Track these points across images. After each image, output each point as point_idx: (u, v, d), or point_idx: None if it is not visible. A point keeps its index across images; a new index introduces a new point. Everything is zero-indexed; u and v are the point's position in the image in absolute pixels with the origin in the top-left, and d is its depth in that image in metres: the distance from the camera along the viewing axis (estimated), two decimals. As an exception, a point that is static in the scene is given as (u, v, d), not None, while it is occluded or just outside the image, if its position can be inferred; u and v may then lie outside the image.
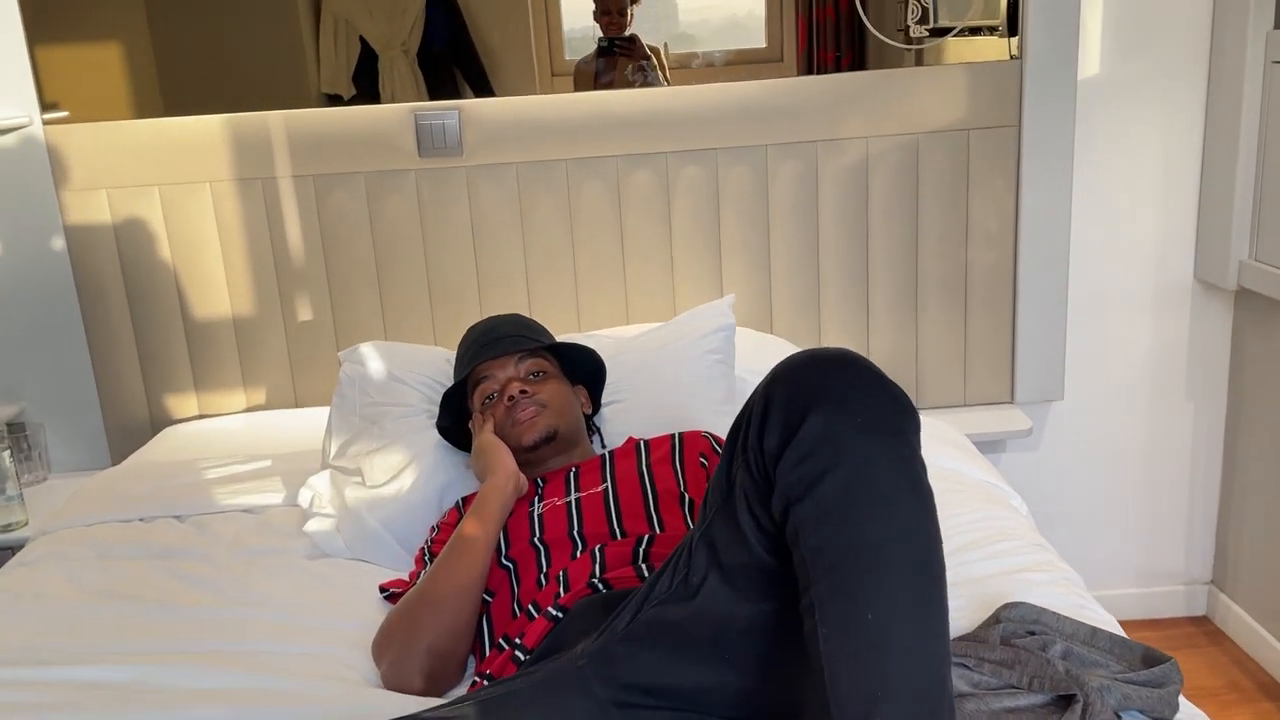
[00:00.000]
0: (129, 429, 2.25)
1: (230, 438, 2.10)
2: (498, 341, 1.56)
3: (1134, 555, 2.49)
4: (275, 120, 2.11)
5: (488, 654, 1.25)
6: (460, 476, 1.60)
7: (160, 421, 2.26)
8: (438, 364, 1.81)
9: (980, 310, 2.27)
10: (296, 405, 2.26)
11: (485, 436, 1.47)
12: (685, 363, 1.77)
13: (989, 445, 2.38)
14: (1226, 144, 2.14)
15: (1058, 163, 2.17)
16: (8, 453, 1.99)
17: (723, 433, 1.62)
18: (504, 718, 0.95)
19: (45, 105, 2.12)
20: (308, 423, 2.12)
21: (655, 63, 2.31)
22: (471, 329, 1.64)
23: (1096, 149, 2.23)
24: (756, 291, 2.24)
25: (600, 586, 1.17)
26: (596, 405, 1.70)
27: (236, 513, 1.71)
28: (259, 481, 1.79)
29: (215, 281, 2.19)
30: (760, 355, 1.96)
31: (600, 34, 2.28)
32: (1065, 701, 1.04)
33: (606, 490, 1.39)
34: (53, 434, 2.25)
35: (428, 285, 2.21)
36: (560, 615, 1.15)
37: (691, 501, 1.39)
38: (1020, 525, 1.54)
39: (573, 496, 1.40)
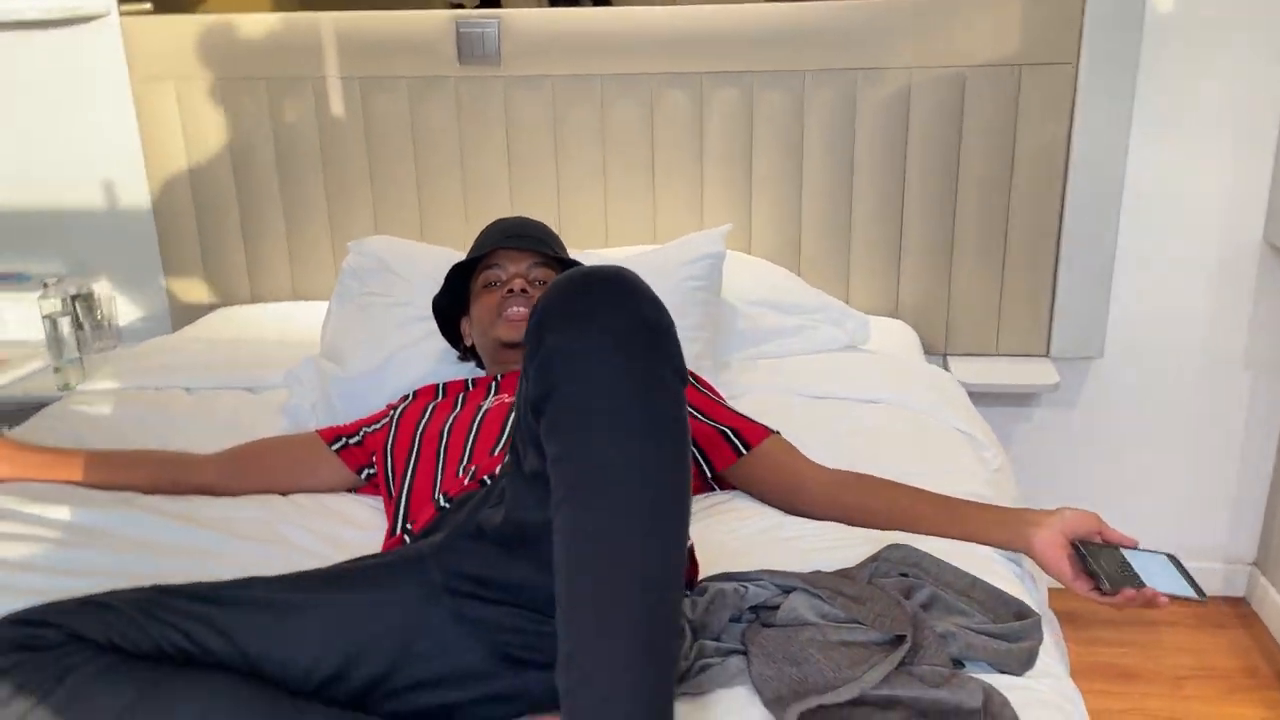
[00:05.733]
0: (191, 307, 2.42)
1: (269, 324, 2.24)
2: (523, 238, 1.60)
3: (1171, 527, 2.37)
4: (326, 21, 2.19)
5: (395, 534, 1.32)
6: (431, 374, 1.66)
7: (219, 302, 2.42)
8: (438, 263, 1.86)
9: (1020, 257, 2.17)
10: (295, 297, 2.39)
11: None
12: (663, 287, 1.75)
13: (1019, 399, 2.30)
14: (1308, 96, 1.97)
15: (1117, 106, 2.04)
16: (68, 319, 2.18)
17: (690, 358, 1.64)
18: (340, 588, 1.02)
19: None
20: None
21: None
22: (499, 220, 1.67)
23: (1160, 93, 2.08)
24: (785, 222, 2.21)
25: (486, 481, 1.22)
26: None
27: (239, 390, 1.83)
28: (267, 364, 1.91)
29: (267, 175, 2.30)
30: (772, 288, 1.96)
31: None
32: (900, 642, 1.03)
33: None
34: (124, 307, 2.44)
35: (463, 191, 2.27)
36: (446, 506, 1.21)
37: None
38: (971, 475, 1.50)
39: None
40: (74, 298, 2.31)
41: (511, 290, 1.53)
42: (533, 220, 1.69)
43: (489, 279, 1.58)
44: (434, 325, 1.71)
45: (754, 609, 1.13)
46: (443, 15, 2.17)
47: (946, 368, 2.21)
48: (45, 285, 2.25)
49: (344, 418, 1.64)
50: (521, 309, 1.51)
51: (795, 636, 1.06)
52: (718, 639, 1.08)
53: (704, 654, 1.05)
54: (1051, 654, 1.12)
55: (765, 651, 1.05)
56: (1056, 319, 2.20)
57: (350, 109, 2.24)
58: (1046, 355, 2.23)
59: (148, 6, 2.36)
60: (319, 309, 2.29)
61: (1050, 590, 1.44)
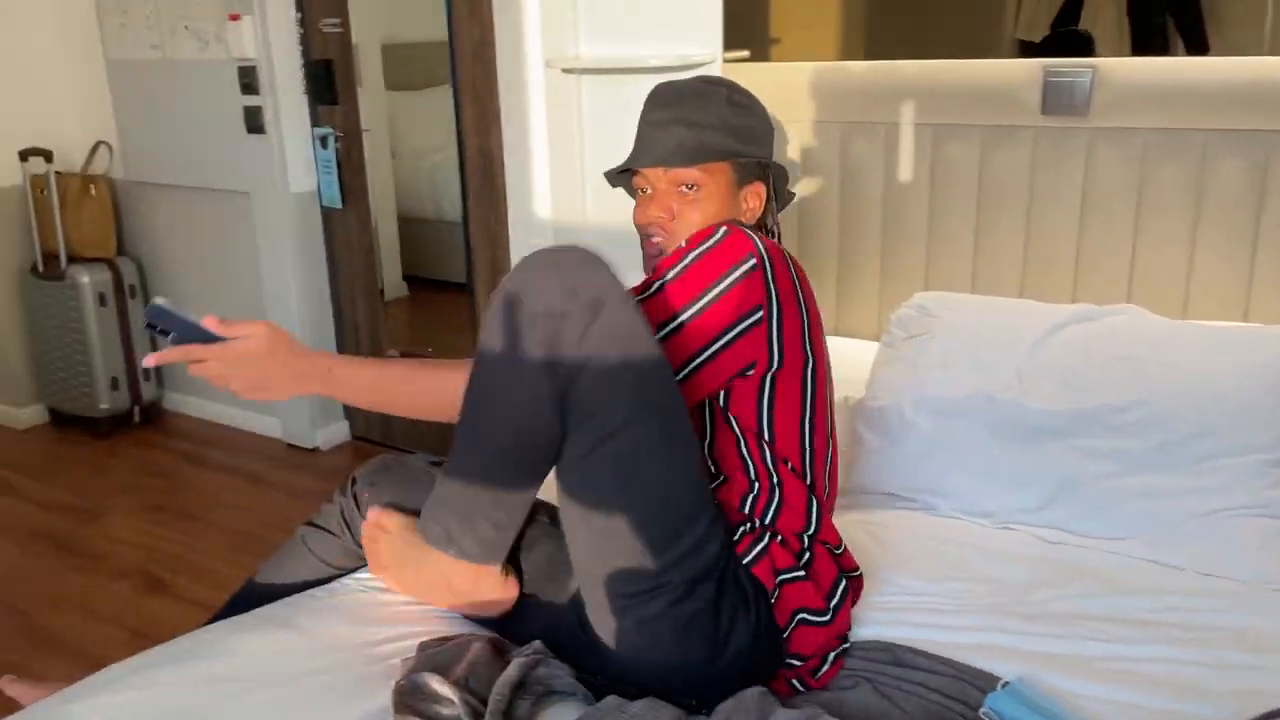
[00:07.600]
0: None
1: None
2: (656, 137, 1.36)
3: None
4: (907, 69, 2.23)
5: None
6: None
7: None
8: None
9: None
10: (837, 333, 2.40)
11: None
12: (1260, 361, 1.56)
13: None
14: None
15: None
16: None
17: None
18: None
19: (759, 42, 2.49)
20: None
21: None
22: (655, 93, 1.40)
23: None
24: None
25: None
26: (780, 199, 1.46)
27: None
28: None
29: (823, 218, 2.40)
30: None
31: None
32: None
33: None
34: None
35: (1024, 244, 2.18)
36: None
37: None
38: None
39: None
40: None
41: (649, 227, 1.36)
42: (692, 85, 1.39)
43: (638, 186, 1.40)
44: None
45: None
46: (1031, 64, 2.11)
47: None
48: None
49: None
50: (654, 246, 1.36)
51: None
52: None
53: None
54: None
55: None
56: None
57: (920, 155, 2.26)
58: None
59: (745, 54, 2.59)
60: (859, 346, 2.34)
61: None
